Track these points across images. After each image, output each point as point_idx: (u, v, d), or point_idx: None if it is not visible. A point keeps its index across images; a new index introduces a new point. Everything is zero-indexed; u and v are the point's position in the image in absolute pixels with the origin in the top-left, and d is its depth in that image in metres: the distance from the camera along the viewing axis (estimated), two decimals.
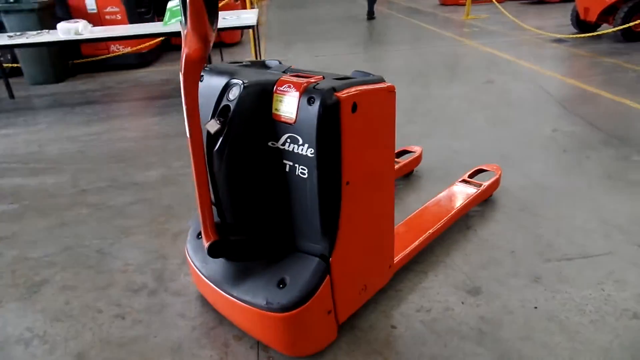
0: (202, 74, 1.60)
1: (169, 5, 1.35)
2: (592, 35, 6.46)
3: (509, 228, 2.29)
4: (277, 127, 1.47)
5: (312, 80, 1.43)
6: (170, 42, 7.63)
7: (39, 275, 2.17)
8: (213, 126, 1.47)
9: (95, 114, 4.62)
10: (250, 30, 5.88)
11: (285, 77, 1.47)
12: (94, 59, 6.42)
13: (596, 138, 3.28)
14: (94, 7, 6.27)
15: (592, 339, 1.62)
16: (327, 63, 6.22)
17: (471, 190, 2.38)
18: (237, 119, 1.46)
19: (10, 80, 5.43)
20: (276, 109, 1.46)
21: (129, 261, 2.23)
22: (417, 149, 2.90)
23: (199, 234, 1.85)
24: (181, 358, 1.65)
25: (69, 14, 6.11)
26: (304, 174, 1.44)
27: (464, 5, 10.28)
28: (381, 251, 1.77)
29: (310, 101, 1.36)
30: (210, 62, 2.26)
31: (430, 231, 2.06)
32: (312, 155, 1.39)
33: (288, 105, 1.42)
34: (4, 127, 4.38)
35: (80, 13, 6.12)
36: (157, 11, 7.29)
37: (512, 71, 5.29)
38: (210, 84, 1.58)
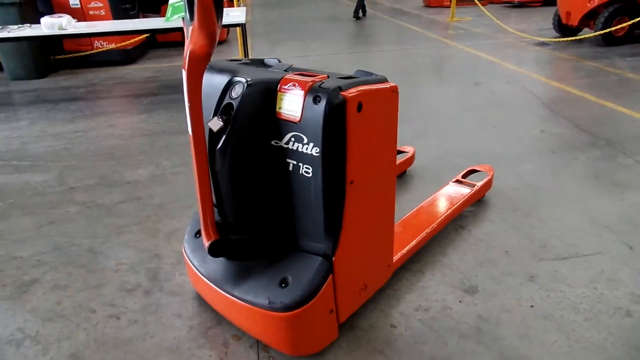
0: None
1: (171, 1, 1.33)
2: (574, 39, 6.61)
3: (503, 228, 2.32)
4: (280, 125, 1.46)
5: (317, 79, 1.42)
6: (156, 39, 7.53)
7: (28, 275, 2.11)
8: (216, 124, 1.45)
9: (80, 111, 4.52)
10: (238, 29, 5.83)
11: (290, 76, 1.46)
12: (76, 54, 6.29)
13: (583, 140, 3.36)
14: (77, 2, 6.14)
15: (587, 337, 1.65)
16: (316, 63, 6.22)
17: (465, 191, 2.40)
18: (240, 117, 1.45)
19: None
20: (280, 108, 1.45)
21: (122, 260, 2.19)
22: (409, 149, 2.92)
23: (197, 232, 1.83)
24: (180, 358, 1.63)
25: (51, 9, 5.97)
26: (308, 172, 1.44)
27: (448, 7, 10.41)
28: (381, 251, 1.78)
29: (316, 100, 1.36)
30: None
31: (427, 231, 2.07)
32: (318, 154, 1.39)
33: (293, 103, 1.41)
34: None
35: (62, 8, 5.98)
36: (142, 7, 7.19)
37: (498, 73, 5.37)
38: (211, 82, 1.56)
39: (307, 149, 1.41)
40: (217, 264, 1.66)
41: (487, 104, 4.27)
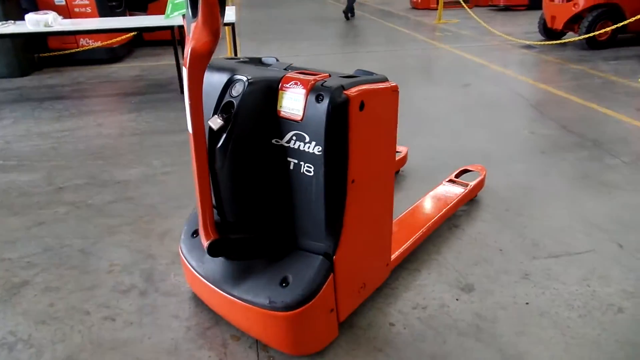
0: None
1: None
2: (559, 43, 6.73)
3: (496, 227, 2.35)
4: (281, 124, 1.45)
5: (319, 78, 1.42)
6: (142, 37, 7.44)
7: (18, 277, 2.06)
8: (216, 122, 1.44)
9: (67, 110, 4.44)
10: (227, 28, 5.80)
11: (291, 74, 1.46)
12: (61, 52, 6.18)
13: (570, 141, 3.42)
14: None
15: (582, 333, 1.68)
16: (305, 63, 6.21)
17: (459, 190, 2.43)
18: (241, 115, 1.44)
19: None
20: (282, 106, 1.44)
21: (115, 261, 2.16)
22: (402, 149, 2.94)
23: (194, 232, 1.82)
24: (178, 359, 1.61)
25: (35, 6, 5.86)
26: (309, 171, 1.43)
27: (435, 9, 10.52)
28: (380, 249, 1.78)
29: (318, 99, 1.36)
30: None
31: (423, 230, 2.09)
32: (320, 153, 1.39)
33: (295, 102, 1.41)
34: None
35: (47, 5, 5.87)
36: (128, 5, 7.10)
37: (486, 75, 5.44)
38: (210, 80, 1.54)
39: (308, 147, 1.41)
40: (216, 264, 1.64)
41: (477, 105, 4.32)
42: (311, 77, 1.41)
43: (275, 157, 1.49)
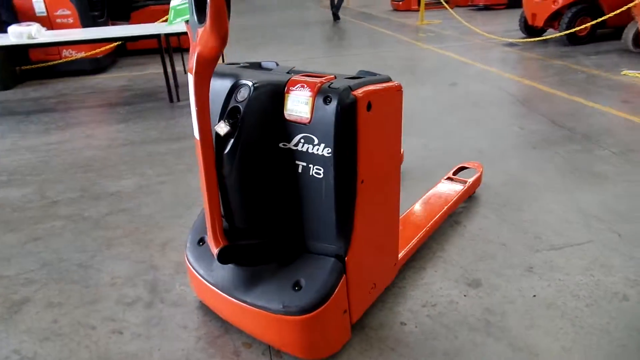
0: None
1: (172, 4, 1.29)
2: (540, 40, 6.85)
3: (496, 222, 2.38)
4: (289, 127, 1.45)
5: (325, 80, 1.42)
6: (126, 47, 7.36)
7: (18, 294, 2.01)
8: (223, 128, 1.43)
9: (53, 122, 4.37)
10: None
11: (297, 77, 1.46)
12: (44, 64, 6.07)
13: (560, 134, 3.48)
14: (43, 9, 5.95)
15: (590, 323, 1.70)
16: (297, 67, 6.20)
17: (458, 187, 2.45)
18: (248, 120, 1.43)
19: None
20: (288, 109, 1.44)
21: (117, 274, 2.12)
22: None
23: (200, 240, 1.80)
24: None
25: (15, 17, 5.76)
26: (319, 173, 1.43)
27: (416, 11, 10.64)
28: (388, 249, 1.79)
29: (326, 100, 1.36)
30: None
31: (427, 228, 2.10)
32: (329, 154, 1.39)
33: (302, 105, 1.41)
34: None
35: (27, 16, 5.77)
36: (111, 15, 7.03)
37: (472, 73, 5.51)
38: (213, 86, 1.52)
39: (317, 149, 1.41)
40: (226, 271, 1.63)
41: (465, 103, 4.37)
42: (318, 80, 1.41)
43: (282, 160, 1.49)
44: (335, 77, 1.47)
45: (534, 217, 2.40)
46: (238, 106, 1.45)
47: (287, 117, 1.44)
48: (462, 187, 2.45)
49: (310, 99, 1.38)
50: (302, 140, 1.43)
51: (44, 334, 1.77)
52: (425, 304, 1.84)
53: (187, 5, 1.35)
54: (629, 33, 5.82)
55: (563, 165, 2.98)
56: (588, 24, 6.17)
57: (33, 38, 4.34)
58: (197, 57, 1.28)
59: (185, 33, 5.52)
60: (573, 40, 6.52)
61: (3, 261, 2.25)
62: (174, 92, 4.82)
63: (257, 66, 1.76)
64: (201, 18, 1.23)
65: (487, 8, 11.60)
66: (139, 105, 4.83)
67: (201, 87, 1.33)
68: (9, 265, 2.22)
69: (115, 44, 6.47)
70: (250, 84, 1.44)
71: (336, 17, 10.55)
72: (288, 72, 1.60)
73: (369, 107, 1.41)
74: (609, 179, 2.77)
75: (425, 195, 2.40)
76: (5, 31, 4.51)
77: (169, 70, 4.77)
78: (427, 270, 2.03)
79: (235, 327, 1.73)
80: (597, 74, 5.10)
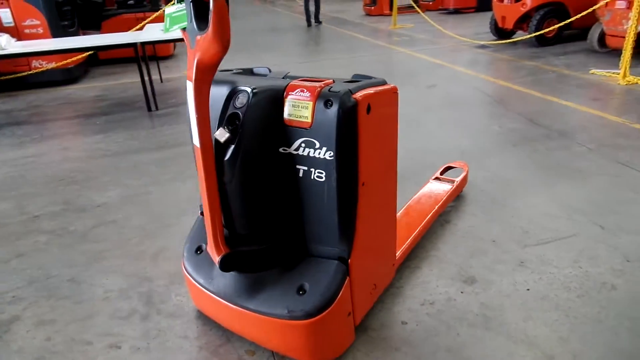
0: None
1: (167, 11, 1.27)
2: (511, 42, 7.05)
3: (485, 219, 2.43)
4: (289, 132, 1.46)
5: (324, 84, 1.44)
6: (98, 56, 7.21)
7: (6, 313, 1.94)
8: (223, 135, 1.42)
9: (28, 135, 4.23)
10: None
11: (296, 82, 1.47)
12: (12, 76, 5.88)
13: (538, 132, 3.59)
14: (11, 19, 5.76)
15: (583, 313, 1.76)
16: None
17: (447, 187, 2.50)
18: (247, 126, 1.43)
19: None
20: (289, 114, 1.45)
21: (109, 287, 2.07)
22: None
23: (197, 249, 1.78)
24: None
25: None
26: (320, 177, 1.44)
27: (388, 15, 10.79)
28: (387, 249, 1.81)
29: (327, 104, 1.37)
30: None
31: (420, 227, 2.13)
32: (331, 158, 1.40)
33: (302, 109, 1.42)
34: None
35: None
36: (82, 24, 6.88)
37: (448, 75, 5.62)
38: (210, 93, 1.52)
39: (319, 153, 1.42)
40: (227, 279, 1.61)
41: (444, 104, 4.46)
42: (317, 84, 1.43)
43: (283, 165, 1.49)
44: (334, 81, 1.48)
45: (520, 213, 2.47)
46: (237, 112, 1.45)
47: (287, 121, 1.45)
48: (450, 186, 2.50)
49: (311, 103, 1.39)
50: (303, 145, 1.44)
51: (38, 353, 1.72)
52: (423, 302, 1.87)
53: (184, 12, 1.34)
54: (594, 34, 6.06)
55: (543, 162, 3.08)
56: (555, 26, 6.39)
57: (3, 49, 4.20)
58: (197, 63, 1.28)
59: (165, 41, 5.47)
60: (542, 41, 6.74)
61: None
62: (152, 101, 4.75)
63: (249, 72, 1.76)
64: (202, 25, 1.23)
65: (457, 12, 11.87)
66: (117, 115, 4.73)
67: (201, 94, 1.33)
68: None
69: (87, 53, 6.32)
70: (248, 89, 1.44)
71: (318, 19, 10.68)
72: (284, 77, 1.60)
73: (368, 109, 1.43)
74: (587, 173, 2.88)
75: (416, 196, 2.44)
76: None
77: (146, 78, 4.70)
78: (423, 270, 2.06)
79: (237, 335, 1.72)
80: (567, 74, 5.29)
